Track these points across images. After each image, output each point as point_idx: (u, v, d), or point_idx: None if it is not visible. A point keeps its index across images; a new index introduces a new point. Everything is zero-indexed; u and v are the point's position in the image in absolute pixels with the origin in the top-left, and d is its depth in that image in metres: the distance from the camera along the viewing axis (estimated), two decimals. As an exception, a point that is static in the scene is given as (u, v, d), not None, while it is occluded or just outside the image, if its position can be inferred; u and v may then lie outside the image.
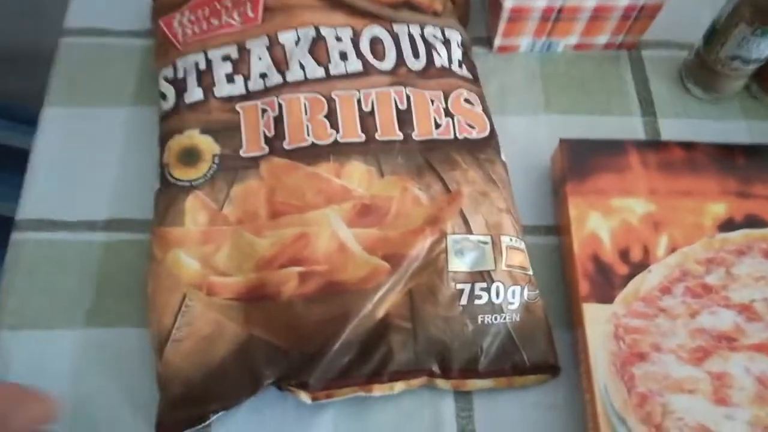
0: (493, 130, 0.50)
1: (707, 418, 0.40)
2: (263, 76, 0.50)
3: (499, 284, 0.44)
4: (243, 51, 0.50)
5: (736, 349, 0.42)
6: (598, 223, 0.47)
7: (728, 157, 0.50)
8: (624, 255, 0.46)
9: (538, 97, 0.57)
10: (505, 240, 0.45)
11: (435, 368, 0.43)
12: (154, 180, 0.48)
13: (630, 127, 0.56)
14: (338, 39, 0.51)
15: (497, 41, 0.58)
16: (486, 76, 0.57)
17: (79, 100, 0.54)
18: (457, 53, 0.53)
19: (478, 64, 0.56)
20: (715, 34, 0.53)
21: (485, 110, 0.51)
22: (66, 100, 0.54)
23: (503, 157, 0.50)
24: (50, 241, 0.48)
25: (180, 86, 0.49)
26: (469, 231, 0.45)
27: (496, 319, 0.43)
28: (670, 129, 0.56)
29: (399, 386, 0.42)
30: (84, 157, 0.52)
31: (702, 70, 0.56)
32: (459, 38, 0.54)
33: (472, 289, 0.43)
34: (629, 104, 0.57)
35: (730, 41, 0.52)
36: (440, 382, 0.43)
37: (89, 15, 0.58)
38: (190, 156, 0.47)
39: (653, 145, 0.50)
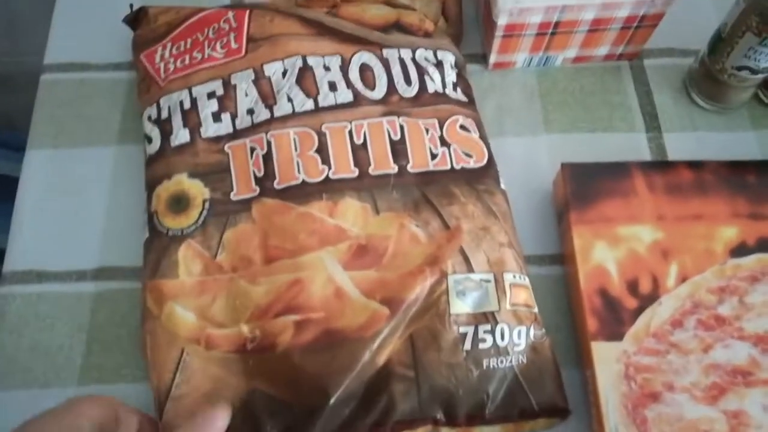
0: (491, 158, 0.48)
1: (725, 461, 0.39)
2: (250, 112, 0.48)
3: (504, 325, 0.42)
4: (228, 86, 0.48)
5: (752, 384, 0.41)
6: (604, 253, 0.45)
7: (739, 176, 0.48)
8: (632, 287, 0.44)
9: (537, 115, 0.55)
10: (508, 277, 0.43)
11: (440, 416, 0.41)
12: (144, 224, 0.46)
13: (634, 143, 0.54)
14: (327, 68, 0.49)
15: (492, 58, 0.56)
16: (482, 95, 0.55)
17: (62, 141, 0.53)
18: (451, 75, 0.51)
19: (473, 82, 0.54)
20: (720, 43, 0.51)
21: (482, 136, 0.49)
22: (49, 141, 0.53)
23: (503, 186, 0.48)
24: (38, 294, 0.47)
25: (165, 127, 0.48)
26: (471, 269, 0.43)
27: (501, 362, 0.42)
28: (676, 143, 0.54)
29: (403, 437, 0.41)
30: (71, 202, 0.50)
31: (707, 79, 0.53)
32: (452, 59, 0.52)
33: (475, 332, 0.42)
34: (633, 119, 0.55)
35: (736, 51, 0.50)
36: (446, 431, 0.42)
37: (69, 49, 0.56)
38: (180, 203, 0.45)
39: (659, 166, 0.48)
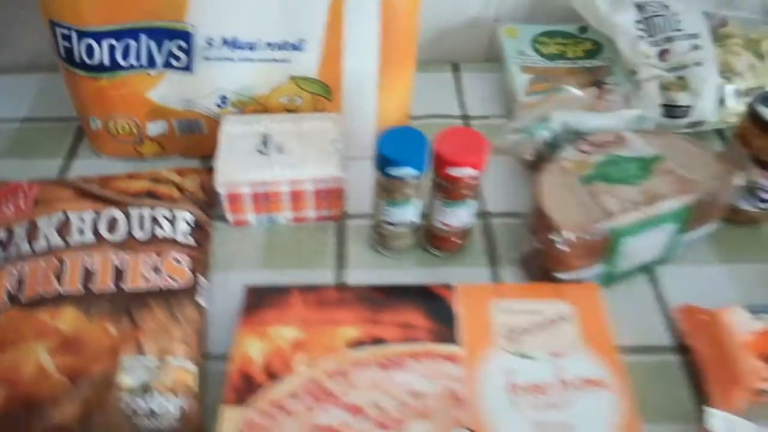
0: (195, 283, 0.65)
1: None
2: (17, 246, 0.66)
3: (161, 397, 0.56)
4: (10, 233, 0.67)
5: (340, 438, 0.54)
6: (253, 346, 0.60)
7: (372, 295, 0.65)
8: (269, 370, 0.58)
9: (258, 259, 0.73)
10: (171, 361, 0.58)
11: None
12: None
13: (323, 277, 0.71)
14: (81, 220, 0.68)
15: (229, 217, 0.75)
16: (222, 246, 0.74)
17: None
18: (183, 227, 0.70)
19: (219, 236, 0.73)
20: (373, 205, 0.71)
21: (193, 267, 0.67)
22: None
23: (202, 303, 0.65)
24: None
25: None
26: (142, 353, 0.58)
27: (154, 424, 0.55)
28: (355, 278, 0.71)
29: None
30: None
31: (377, 232, 0.72)
32: (190, 217, 0.72)
33: (137, 401, 0.56)
34: (329, 262, 0.73)
35: (377, 211, 0.69)
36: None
37: None
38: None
39: (314, 288, 0.66)
